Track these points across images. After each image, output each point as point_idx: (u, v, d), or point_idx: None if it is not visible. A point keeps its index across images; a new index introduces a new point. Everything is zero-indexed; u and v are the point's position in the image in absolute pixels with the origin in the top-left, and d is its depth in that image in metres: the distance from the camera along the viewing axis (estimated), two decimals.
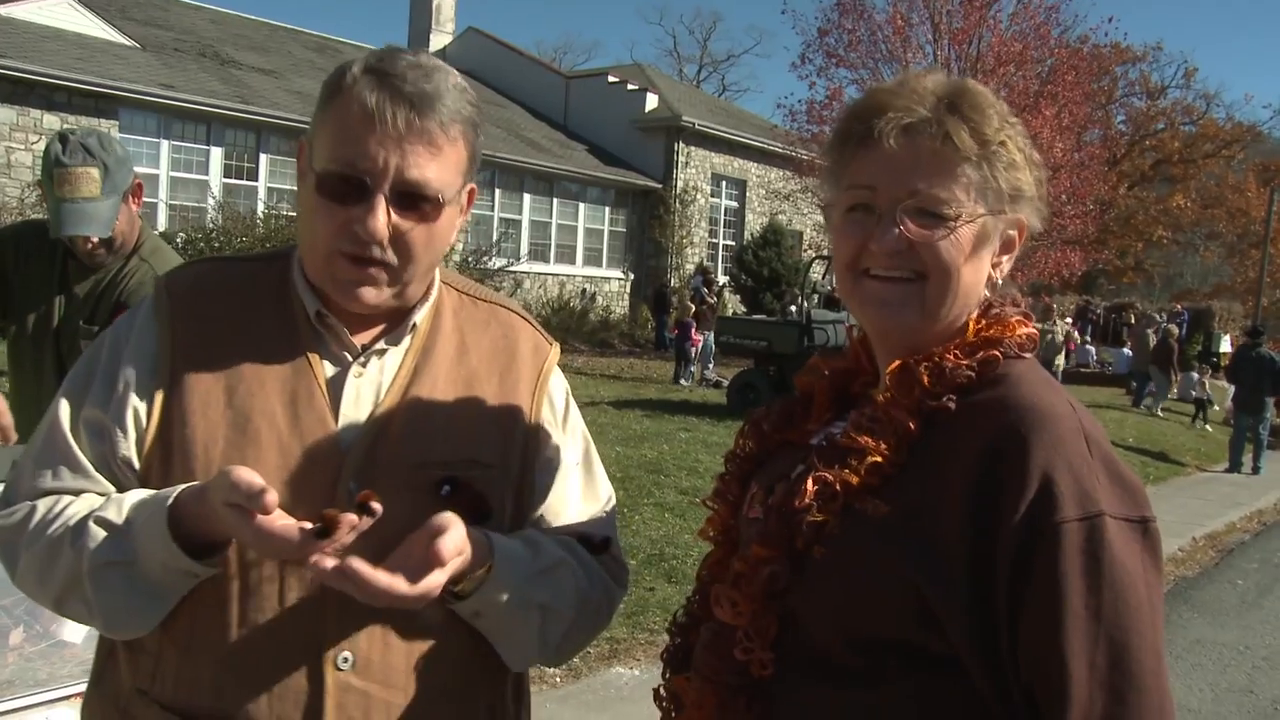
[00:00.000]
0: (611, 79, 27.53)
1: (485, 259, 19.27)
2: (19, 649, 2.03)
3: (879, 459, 1.21)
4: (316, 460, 1.34)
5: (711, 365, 18.20)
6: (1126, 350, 25.39)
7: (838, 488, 1.21)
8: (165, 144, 18.35)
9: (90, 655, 2.10)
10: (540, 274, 23.80)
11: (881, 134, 1.24)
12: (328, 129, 1.32)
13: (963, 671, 1.16)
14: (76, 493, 1.37)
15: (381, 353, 1.42)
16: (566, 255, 25.73)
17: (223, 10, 24.78)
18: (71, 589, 1.33)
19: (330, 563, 1.17)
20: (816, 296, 16.16)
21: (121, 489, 1.37)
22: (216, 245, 15.94)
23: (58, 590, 1.34)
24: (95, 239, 2.74)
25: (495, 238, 21.33)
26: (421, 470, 1.36)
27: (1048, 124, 19.44)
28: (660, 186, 26.65)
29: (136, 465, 1.37)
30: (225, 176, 19.25)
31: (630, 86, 27.22)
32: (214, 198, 18.38)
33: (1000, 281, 1.32)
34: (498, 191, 23.57)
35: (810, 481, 1.22)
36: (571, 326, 22.43)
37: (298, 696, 1.31)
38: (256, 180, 19.73)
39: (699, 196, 27.42)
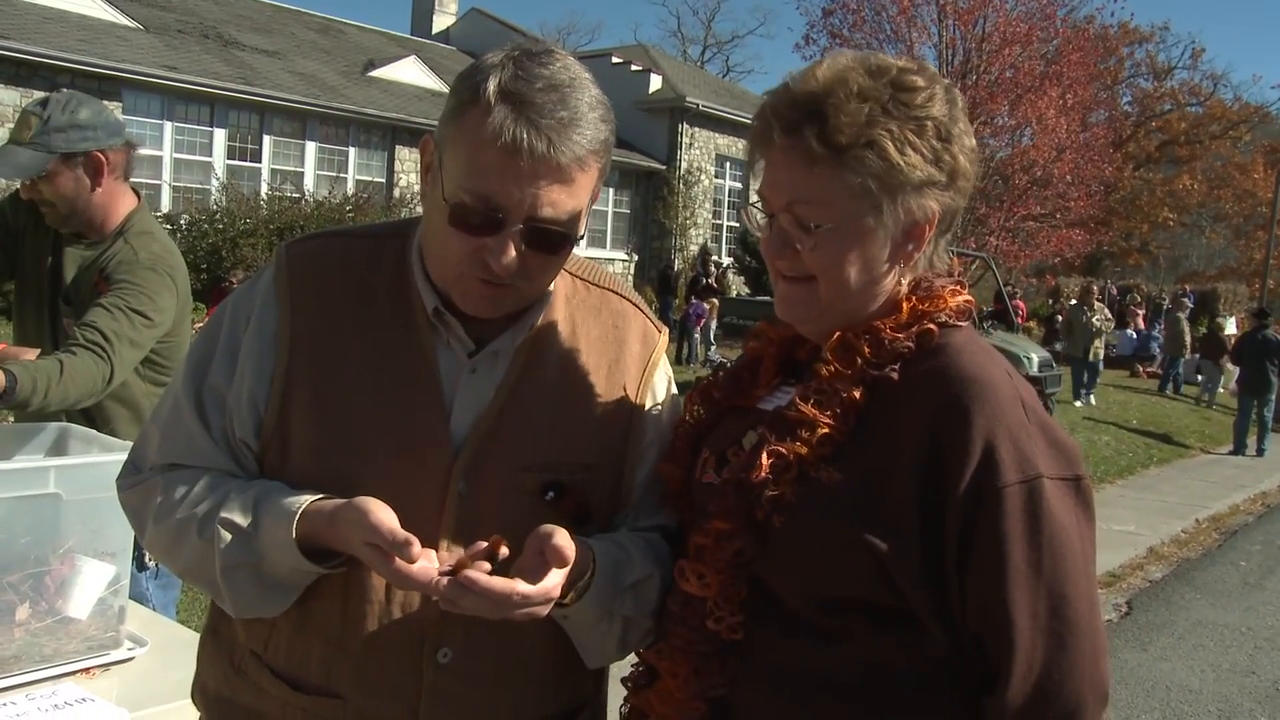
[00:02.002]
0: (615, 60, 27.44)
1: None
2: (25, 624, 2.04)
3: (827, 430, 1.27)
4: (427, 458, 1.37)
5: (715, 346, 18.21)
6: (1130, 332, 25.33)
7: (791, 459, 1.27)
8: (169, 125, 18.33)
9: (95, 632, 2.13)
10: None
11: (761, 143, 1.31)
12: (460, 149, 1.31)
13: (919, 625, 1.25)
14: (200, 468, 1.41)
15: (495, 351, 1.43)
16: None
17: None
18: (197, 574, 1.39)
19: (444, 583, 1.20)
20: None
21: (241, 466, 1.42)
22: (220, 226, 15.96)
23: (182, 567, 1.42)
24: (24, 187, 2.76)
25: None
26: (527, 473, 1.38)
27: (1053, 105, 19.38)
28: (664, 168, 26.58)
29: (254, 448, 1.41)
30: (229, 158, 19.23)
31: (634, 67, 27.14)
32: (217, 179, 18.37)
33: (925, 260, 1.36)
34: None
35: (765, 455, 1.27)
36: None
37: (399, 685, 1.37)
38: (260, 162, 19.69)
39: (703, 178, 27.35)
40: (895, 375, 1.28)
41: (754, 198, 1.38)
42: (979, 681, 1.26)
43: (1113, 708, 5.16)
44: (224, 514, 1.34)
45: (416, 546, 1.21)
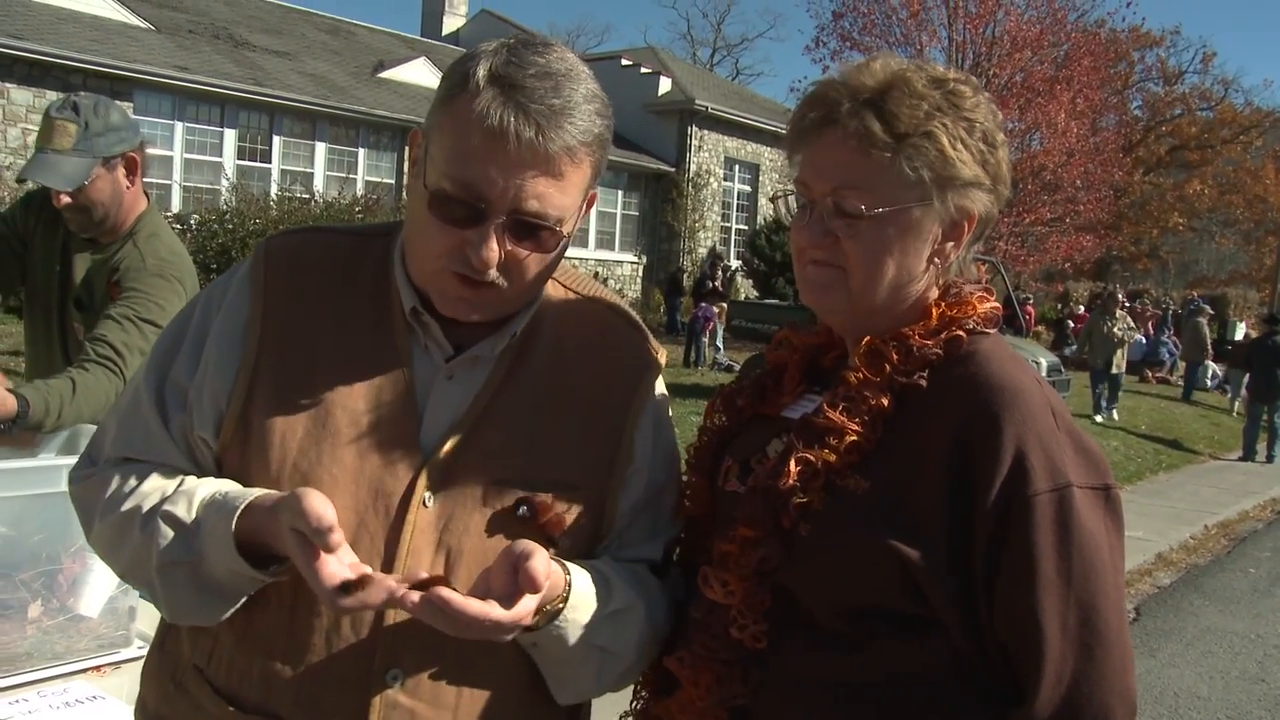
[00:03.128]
0: (625, 62, 27.45)
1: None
2: (37, 622, 2.05)
3: (856, 437, 1.26)
4: (395, 464, 1.29)
5: (722, 349, 18.21)
6: (1140, 337, 25.25)
7: (819, 467, 1.26)
8: (179, 126, 18.39)
9: (105, 630, 2.14)
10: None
11: (812, 129, 1.30)
12: (446, 135, 1.23)
13: (943, 633, 1.24)
14: (154, 464, 1.35)
15: (475, 358, 1.35)
16: (579, 239, 25.56)
17: None
18: (137, 573, 1.33)
19: (416, 596, 1.12)
20: None
21: (197, 464, 1.35)
22: (230, 227, 15.98)
23: (123, 567, 1.35)
24: (65, 198, 2.69)
25: None
26: (501, 487, 1.31)
27: (1063, 109, 19.34)
28: (673, 170, 26.58)
29: (214, 445, 1.33)
30: (239, 158, 19.29)
31: (643, 70, 27.16)
32: (227, 179, 18.42)
33: (957, 265, 1.36)
34: None
35: (794, 463, 1.26)
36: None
37: (344, 708, 1.27)
38: (270, 162, 19.76)
39: (712, 180, 27.34)
40: (924, 382, 1.27)
41: (788, 186, 1.38)
42: (1004, 692, 1.24)
43: None
44: (166, 508, 1.27)
45: (338, 535, 1.13)
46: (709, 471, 1.44)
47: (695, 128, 26.73)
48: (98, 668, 2.12)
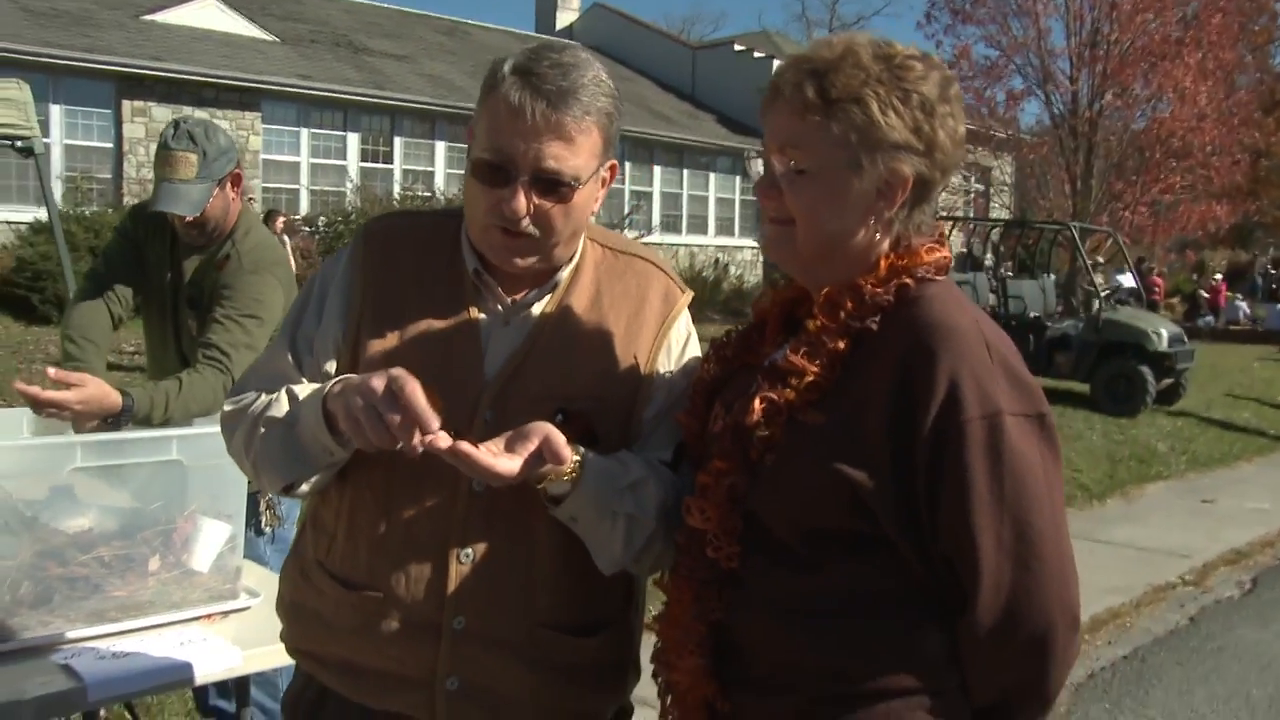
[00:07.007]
0: (738, 47, 27.37)
1: (615, 231, 19.50)
2: (156, 574, 2.34)
3: (814, 377, 1.41)
4: (462, 390, 1.60)
5: None
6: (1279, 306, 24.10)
7: (781, 404, 1.41)
8: (305, 132, 19.24)
9: (215, 583, 2.43)
10: (673, 245, 23.93)
11: (768, 99, 1.46)
12: (483, 119, 1.57)
13: (895, 552, 1.38)
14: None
15: (527, 307, 1.67)
16: (698, 225, 25.83)
17: (356, 0, 25.69)
18: (249, 444, 1.63)
19: (445, 442, 1.40)
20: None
21: None
22: (355, 228, 16.66)
23: (255, 457, 1.63)
24: (187, 217, 3.03)
25: (626, 210, 21.65)
26: (543, 402, 1.60)
27: (1190, 71, 18.51)
28: None
29: (332, 375, 1.64)
30: (362, 161, 20.05)
31: (757, 54, 26.96)
32: (351, 181, 19.17)
33: (903, 222, 1.47)
34: (628, 165, 23.78)
35: (758, 401, 1.42)
36: (705, 296, 22.50)
37: (427, 580, 1.60)
38: (392, 164, 20.47)
39: None
40: (875, 326, 1.40)
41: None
42: (955, 605, 1.37)
43: (1221, 681, 5.13)
44: (292, 387, 1.61)
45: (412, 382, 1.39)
46: (701, 415, 1.60)
47: None
48: (209, 616, 2.40)
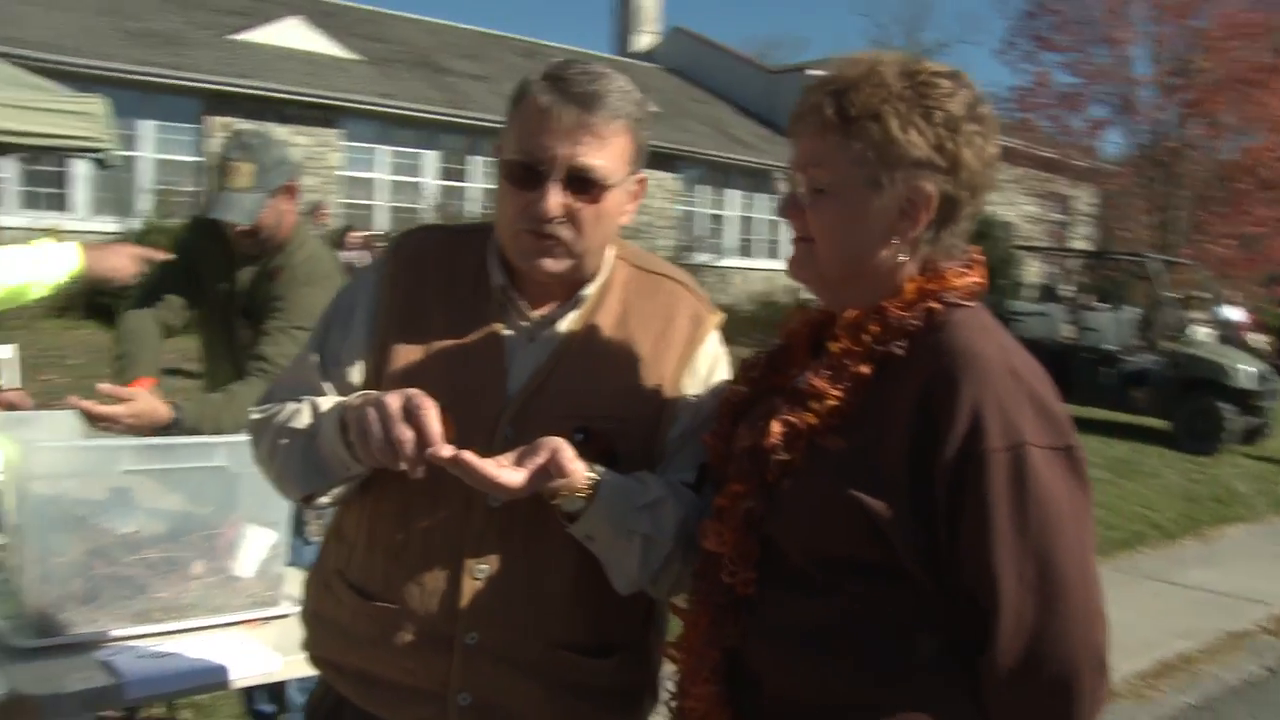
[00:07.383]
0: (811, 73, 27.29)
1: (690, 254, 19.55)
2: (200, 578, 2.38)
3: (836, 401, 1.38)
4: (483, 406, 1.61)
5: None
6: None
7: (802, 428, 1.38)
8: (385, 150, 19.59)
9: (257, 589, 2.46)
10: (747, 269, 23.83)
11: (794, 120, 1.45)
12: (513, 127, 1.59)
13: (911, 584, 1.34)
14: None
15: (552, 323, 1.66)
16: (771, 249, 25.63)
17: (438, 21, 26.13)
18: (273, 453, 1.65)
19: (448, 452, 1.40)
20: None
21: None
22: None
23: (278, 469, 1.67)
24: (240, 226, 3.09)
25: (698, 234, 21.62)
26: (565, 420, 1.58)
27: (1277, 95, 17.99)
28: None
29: (357, 387, 1.68)
30: (440, 179, 20.35)
31: None
32: (429, 199, 19.46)
33: (930, 244, 1.43)
34: (704, 188, 23.84)
35: (777, 424, 1.40)
36: (778, 321, 22.24)
37: (440, 593, 1.60)
38: (469, 182, 20.74)
39: None
40: (900, 350, 1.37)
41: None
42: (973, 642, 1.32)
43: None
44: (315, 400, 1.63)
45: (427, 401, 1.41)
46: (726, 436, 1.57)
47: None
48: (250, 621, 2.43)
